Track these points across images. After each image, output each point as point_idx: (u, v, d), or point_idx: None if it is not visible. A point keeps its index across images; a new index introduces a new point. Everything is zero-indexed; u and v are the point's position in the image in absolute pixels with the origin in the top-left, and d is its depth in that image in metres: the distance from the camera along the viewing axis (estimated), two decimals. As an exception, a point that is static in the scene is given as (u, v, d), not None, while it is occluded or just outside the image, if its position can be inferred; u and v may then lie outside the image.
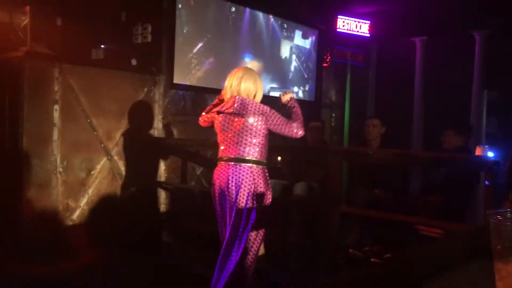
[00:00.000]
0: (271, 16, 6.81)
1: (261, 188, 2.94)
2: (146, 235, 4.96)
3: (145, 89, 5.41)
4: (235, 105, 3.02)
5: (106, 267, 4.22)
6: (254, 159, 2.96)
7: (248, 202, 2.90)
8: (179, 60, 5.56)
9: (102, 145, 4.96)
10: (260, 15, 6.62)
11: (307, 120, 5.92)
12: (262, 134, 3.01)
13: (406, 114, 8.07)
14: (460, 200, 4.16)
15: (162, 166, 5.48)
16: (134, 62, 5.45)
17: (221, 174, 2.98)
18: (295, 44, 7.30)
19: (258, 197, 2.92)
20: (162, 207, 5.49)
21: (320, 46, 7.70)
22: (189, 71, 5.73)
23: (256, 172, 2.94)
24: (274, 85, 7.07)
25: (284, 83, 7.22)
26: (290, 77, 7.28)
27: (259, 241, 2.97)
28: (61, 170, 4.54)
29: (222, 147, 3.09)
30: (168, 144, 5.53)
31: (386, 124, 5.00)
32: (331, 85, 8.57)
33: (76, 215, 4.69)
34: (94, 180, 4.87)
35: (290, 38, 7.21)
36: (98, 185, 4.90)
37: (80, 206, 4.73)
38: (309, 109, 7.57)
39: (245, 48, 6.48)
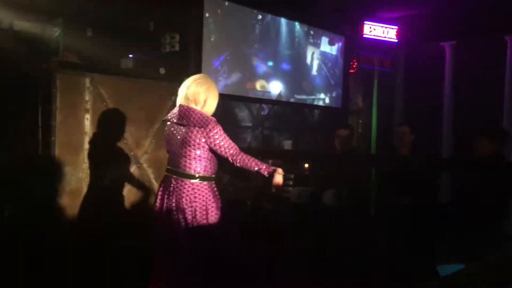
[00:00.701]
0: (297, 23, 6.81)
1: (204, 205, 2.68)
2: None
3: (173, 98, 5.44)
4: (179, 114, 2.80)
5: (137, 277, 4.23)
6: (197, 174, 2.70)
7: (190, 220, 2.64)
8: (206, 68, 5.61)
9: (132, 153, 5.01)
10: (286, 22, 6.63)
11: (335, 128, 5.92)
12: (204, 147, 2.73)
13: (436, 120, 7.93)
14: (494, 209, 4.05)
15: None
16: (162, 71, 5.51)
17: (165, 187, 2.76)
18: (322, 51, 7.28)
19: (202, 214, 2.65)
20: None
21: (347, 52, 7.66)
22: (216, 79, 5.77)
23: (199, 189, 2.68)
24: (301, 92, 7.06)
25: (311, 90, 7.20)
26: (316, 84, 7.25)
27: (199, 260, 2.66)
28: (89, 178, 4.60)
29: (169, 158, 2.88)
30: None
31: (415, 131, 4.91)
32: (358, 91, 8.50)
33: (106, 220, 4.73)
34: (122, 187, 4.91)
35: (317, 44, 7.20)
36: (128, 193, 4.95)
37: (111, 213, 4.77)
38: (336, 116, 7.54)
39: (271, 55, 6.49)
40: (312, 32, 7.08)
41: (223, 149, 2.71)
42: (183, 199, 2.64)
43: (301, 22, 6.84)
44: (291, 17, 6.67)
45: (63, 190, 4.35)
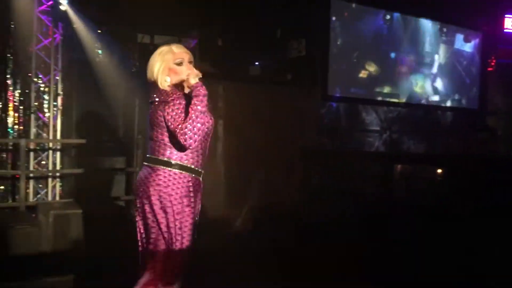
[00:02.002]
0: (429, 21, 6.49)
1: (174, 200, 2.17)
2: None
3: (300, 101, 5.51)
4: (151, 93, 2.26)
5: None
6: (174, 162, 2.17)
7: (157, 214, 2.18)
8: (333, 72, 5.58)
9: (259, 156, 5.16)
10: (417, 21, 6.36)
11: (471, 130, 5.52)
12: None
13: None
14: None
15: (314, 175, 5.51)
16: (289, 76, 5.60)
17: (138, 178, 2.28)
18: (456, 49, 6.85)
19: (170, 209, 2.17)
20: (310, 217, 5.48)
21: (484, 49, 7.11)
22: (343, 82, 5.72)
23: (174, 179, 2.17)
24: (433, 93, 6.70)
25: (445, 90, 6.80)
26: (450, 83, 6.84)
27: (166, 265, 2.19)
28: (224, 181, 4.83)
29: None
30: (323, 154, 5.55)
31: None
32: (497, 90, 7.81)
33: (238, 223, 4.93)
34: (252, 190, 5.08)
35: (450, 42, 6.79)
36: (255, 193, 5.09)
37: (242, 215, 4.96)
38: (473, 117, 7.03)
39: (401, 56, 6.26)
40: (445, 30, 6.69)
41: (171, 124, 2.10)
42: (151, 188, 2.16)
43: (434, 19, 6.50)
44: (422, 15, 6.37)
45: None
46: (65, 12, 4.58)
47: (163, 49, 2.23)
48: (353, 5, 5.75)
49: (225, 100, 4.88)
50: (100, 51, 5.04)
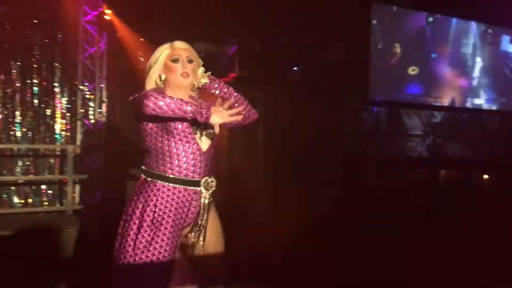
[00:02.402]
0: (473, 23, 6.31)
1: (151, 212, 1.91)
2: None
3: (340, 106, 5.47)
4: None
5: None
6: (148, 170, 1.97)
7: (133, 224, 1.93)
8: (374, 76, 5.50)
9: (299, 161, 5.14)
10: (461, 22, 6.19)
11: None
12: (144, 134, 1.98)
13: None
14: None
15: (355, 181, 5.45)
16: (328, 80, 5.56)
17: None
18: (502, 50, 6.63)
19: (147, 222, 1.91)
20: (351, 222, 5.41)
21: (532, 50, 6.84)
22: (384, 86, 5.63)
23: (142, 187, 1.96)
24: (477, 97, 6.50)
25: (490, 93, 6.59)
26: (496, 86, 6.62)
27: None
28: (264, 185, 4.84)
29: None
30: (364, 159, 5.48)
31: None
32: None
33: (278, 227, 4.92)
34: (292, 194, 5.06)
35: (496, 44, 6.58)
36: (296, 199, 5.07)
37: (282, 219, 4.95)
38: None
39: (444, 59, 6.11)
40: (490, 31, 6.49)
41: (139, 112, 1.85)
42: (135, 199, 1.96)
43: (478, 21, 6.32)
44: (465, 17, 6.21)
45: (242, 196, 4.64)
46: (109, 22, 4.72)
47: (164, 45, 2.02)
48: (394, 8, 5.67)
49: (264, 105, 4.89)
50: (142, 59, 5.16)
